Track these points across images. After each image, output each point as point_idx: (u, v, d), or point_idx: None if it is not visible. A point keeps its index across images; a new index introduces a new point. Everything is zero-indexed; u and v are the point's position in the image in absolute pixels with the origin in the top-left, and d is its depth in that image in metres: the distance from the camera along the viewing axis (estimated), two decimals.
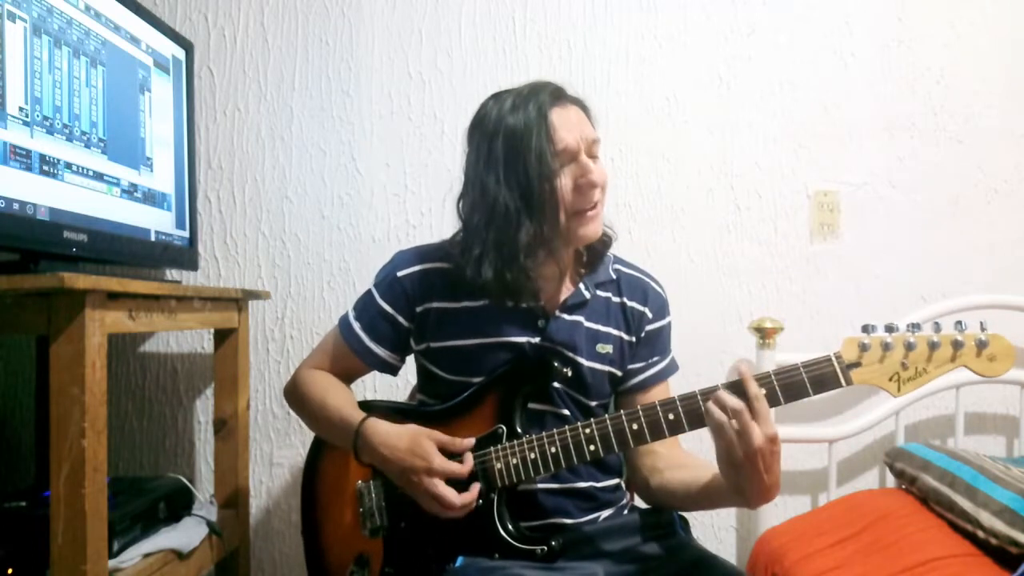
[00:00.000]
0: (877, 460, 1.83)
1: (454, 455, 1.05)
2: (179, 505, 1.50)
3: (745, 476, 0.91)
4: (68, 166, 1.30)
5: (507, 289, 1.10)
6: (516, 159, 1.05)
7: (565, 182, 1.07)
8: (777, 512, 1.78)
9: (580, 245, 1.15)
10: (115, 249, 1.43)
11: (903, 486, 1.59)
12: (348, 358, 1.21)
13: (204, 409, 1.86)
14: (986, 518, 1.30)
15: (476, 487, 1.04)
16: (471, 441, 1.07)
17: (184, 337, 1.87)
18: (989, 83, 1.85)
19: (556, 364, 1.09)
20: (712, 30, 1.86)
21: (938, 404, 1.83)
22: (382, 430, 1.08)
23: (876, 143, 1.85)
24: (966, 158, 1.85)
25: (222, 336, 1.67)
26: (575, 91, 1.15)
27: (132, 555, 1.29)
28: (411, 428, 1.07)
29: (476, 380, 1.13)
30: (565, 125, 1.07)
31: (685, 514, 1.19)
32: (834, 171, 1.85)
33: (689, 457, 1.17)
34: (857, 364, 0.96)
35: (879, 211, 1.85)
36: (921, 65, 1.85)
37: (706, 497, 1.05)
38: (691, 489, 1.07)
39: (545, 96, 1.08)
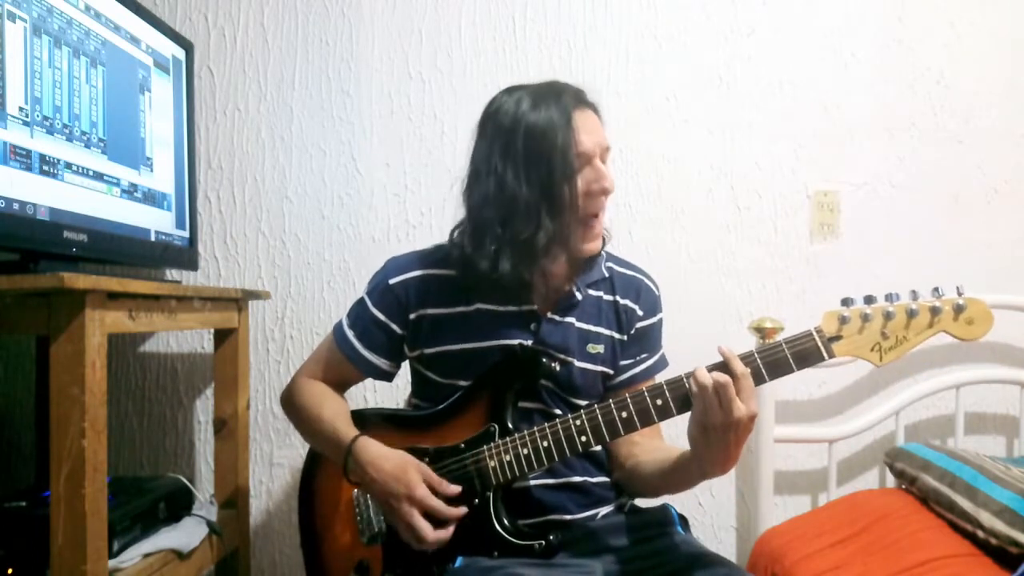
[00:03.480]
0: (877, 460, 1.83)
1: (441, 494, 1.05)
2: (179, 505, 1.50)
3: (712, 444, 0.94)
4: (68, 166, 1.30)
5: (523, 286, 1.10)
6: (539, 157, 1.05)
7: (579, 186, 1.07)
8: (777, 512, 1.78)
9: (581, 257, 1.15)
10: (115, 249, 1.43)
11: (903, 486, 1.59)
12: (343, 366, 1.21)
13: (204, 409, 1.86)
14: (986, 518, 1.30)
15: (451, 528, 1.04)
16: (456, 489, 1.06)
17: (184, 337, 1.87)
18: (989, 83, 1.85)
19: (544, 360, 1.09)
20: (712, 30, 1.86)
21: (938, 404, 1.83)
22: (372, 450, 1.08)
23: (876, 143, 1.85)
24: (966, 158, 1.85)
25: (222, 336, 1.67)
26: (589, 95, 1.15)
27: (132, 555, 1.28)
28: (400, 454, 1.07)
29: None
30: (585, 128, 1.07)
31: (684, 513, 1.20)
32: (834, 171, 1.85)
33: (665, 444, 1.19)
34: (838, 337, 0.97)
35: (879, 211, 1.85)
36: (921, 65, 1.85)
37: (672, 471, 1.07)
38: (662, 466, 1.09)
39: (569, 97, 1.08)
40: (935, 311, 0.95)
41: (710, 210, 1.85)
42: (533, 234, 1.05)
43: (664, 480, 1.10)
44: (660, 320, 1.24)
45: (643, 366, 1.21)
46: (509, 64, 1.86)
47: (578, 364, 1.14)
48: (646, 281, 1.24)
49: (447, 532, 1.04)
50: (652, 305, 1.23)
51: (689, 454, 1.01)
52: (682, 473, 1.05)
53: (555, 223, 1.06)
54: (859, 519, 1.47)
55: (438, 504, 1.03)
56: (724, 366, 0.95)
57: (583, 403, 1.16)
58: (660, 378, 1.21)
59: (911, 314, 0.95)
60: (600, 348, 1.17)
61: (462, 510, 1.05)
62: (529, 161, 1.06)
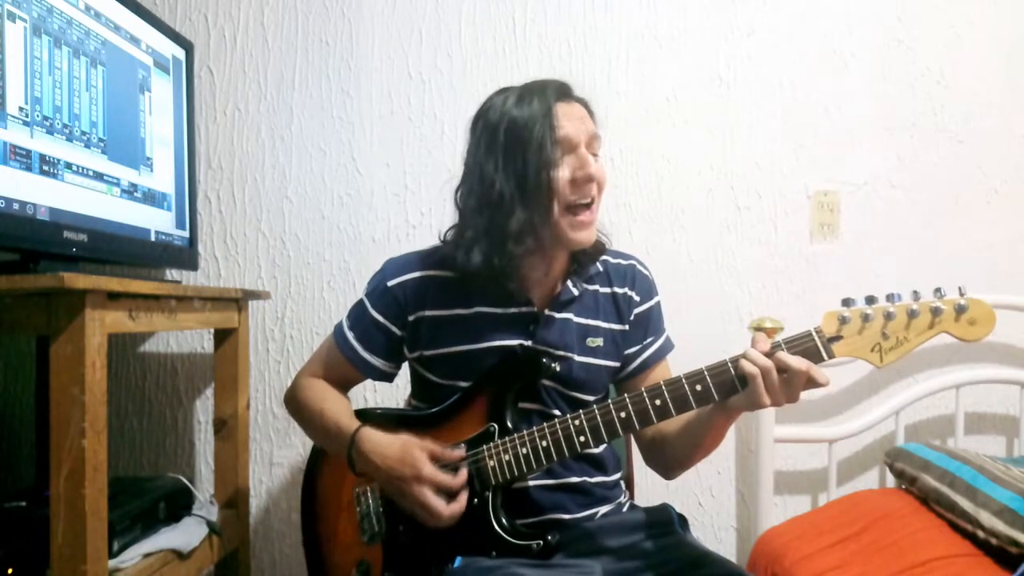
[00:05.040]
0: (877, 460, 1.83)
1: (447, 465, 1.05)
2: (179, 505, 1.50)
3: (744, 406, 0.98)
4: (68, 166, 1.30)
5: (494, 275, 1.10)
6: (516, 147, 1.05)
7: (562, 173, 1.06)
8: (777, 512, 1.78)
9: (572, 249, 1.14)
10: (115, 249, 1.43)
11: (903, 486, 1.59)
12: (344, 367, 1.21)
13: (204, 409, 1.86)
14: (986, 518, 1.30)
15: (464, 496, 1.04)
16: (461, 451, 1.07)
17: (184, 337, 1.87)
18: (989, 83, 1.85)
19: (544, 360, 1.09)
20: (712, 30, 1.86)
21: (938, 404, 1.83)
22: (375, 439, 1.08)
23: (876, 143, 1.85)
24: (966, 158, 1.85)
25: (222, 336, 1.67)
26: (581, 91, 1.15)
27: (132, 555, 1.29)
28: (403, 437, 1.07)
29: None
30: (567, 116, 1.07)
31: (684, 513, 1.20)
32: (834, 171, 1.85)
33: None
34: (838, 337, 0.96)
35: (879, 211, 1.85)
36: (921, 65, 1.85)
37: (693, 425, 1.07)
38: (682, 423, 1.09)
39: (551, 91, 1.09)
40: (936, 311, 0.94)
41: (710, 210, 1.85)
42: (504, 222, 1.06)
43: (694, 439, 1.09)
44: (658, 303, 1.25)
45: (651, 350, 1.22)
46: (509, 64, 1.86)
47: (578, 359, 1.14)
48: (638, 266, 1.24)
49: (460, 505, 1.03)
50: (647, 289, 1.23)
51: (715, 409, 1.01)
52: (709, 423, 1.05)
53: (528, 211, 1.05)
54: (859, 519, 1.47)
55: (446, 478, 1.03)
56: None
57: (586, 398, 1.16)
58: (670, 359, 1.23)
59: (912, 315, 0.94)
60: (599, 341, 1.17)
61: (465, 474, 1.05)
62: (508, 152, 1.06)
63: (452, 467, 1.06)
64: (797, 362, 0.94)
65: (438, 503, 1.02)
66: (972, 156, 1.85)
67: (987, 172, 1.85)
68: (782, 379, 0.94)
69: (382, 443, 1.07)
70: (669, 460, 1.17)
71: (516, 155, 1.05)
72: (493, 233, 1.07)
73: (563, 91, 1.11)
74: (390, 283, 1.17)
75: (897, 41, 1.85)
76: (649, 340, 1.22)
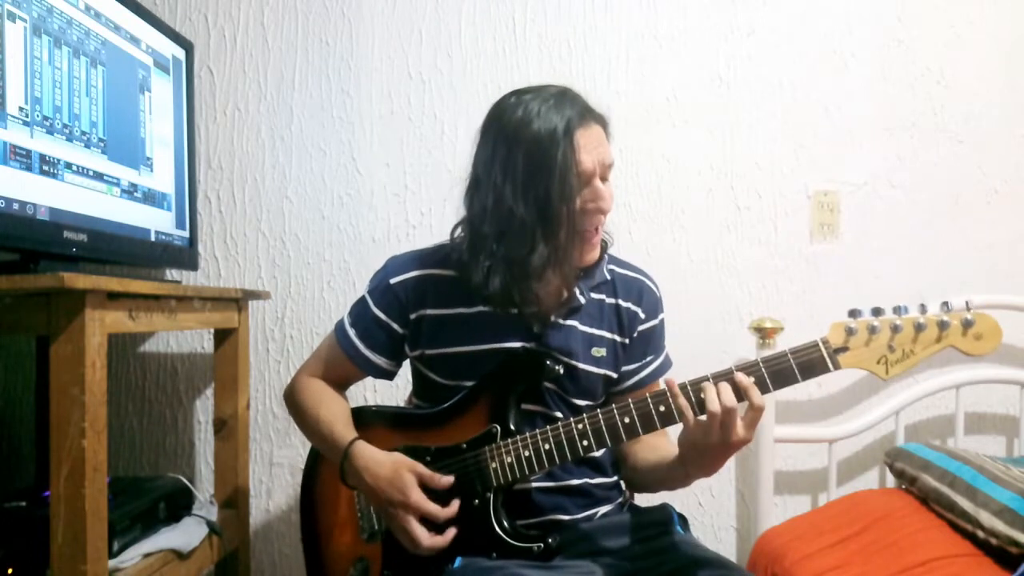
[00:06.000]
0: (877, 460, 1.83)
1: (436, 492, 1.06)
2: (179, 505, 1.50)
3: (701, 457, 0.99)
4: (68, 166, 1.30)
5: (512, 303, 1.11)
6: (538, 175, 1.04)
7: (577, 204, 1.06)
8: (777, 512, 1.78)
9: (578, 267, 1.14)
10: (115, 249, 1.43)
11: (903, 486, 1.59)
12: (344, 365, 1.20)
13: (204, 409, 1.86)
14: (986, 518, 1.30)
15: (450, 533, 1.05)
16: (450, 480, 1.07)
17: (184, 337, 1.87)
18: (989, 83, 1.85)
19: (548, 363, 1.09)
20: (712, 30, 1.86)
21: (938, 404, 1.83)
22: (367, 455, 1.08)
23: (876, 143, 1.85)
24: (966, 158, 1.85)
25: (222, 336, 1.67)
26: (599, 107, 1.12)
27: (132, 555, 1.28)
28: (395, 458, 1.07)
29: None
30: (587, 147, 1.05)
31: (684, 513, 1.20)
32: (834, 171, 1.85)
33: (666, 443, 1.19)
34: (844, 349, 0.96)
35: (879, 211, 1.85)
36: (921, 65, 1.85)
37: (664, 473, 1.10)
38: (657, 466, 1.13)
39: (573, 113, 1.06)
40: (943, 325, 0.93)
41: (710, 210, 1.85)
42: (527, 256, 1.05)
43: (657, 479, 1.15)
44: (662, 321, 1.24)
45: (650, 368, 1.21)
46: (509, 64, 1.86)
47: (582, 367, 1.14)
48: (647, 282, 1.24)
49: (444, 539, 1.04)
50: (653, 307, 1.23)
51: (676, 459, 1.05)
52: (671, 473, 1.09)
53: (550, 246, 1.05)
54: (859, 519, 1.47)
55: (433, 509, 1.04)
56: (731, 380, 0.96)
57: (583, 404, 1.16)
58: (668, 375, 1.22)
59: (919, 328, 0.94)
60: (603, 351, 1.16)
61: (456, 506, 1.05)
62: (528, 178, 1.04)
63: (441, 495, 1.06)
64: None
65: (420, 533, 1.02)
66: (972, 156, 1.85)
67: (987, 172, 1.85)
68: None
69: (374, 461, 1.07)
70: (636, 486, 1.25)
71: (537, 183, 1.04)
72: (515, 269, 1.07)
73: (585, 113, 1.08)
74: (392, 281, 1.17)
75: (897, 41, 1.85)
76: (648, 359, 1.22)
